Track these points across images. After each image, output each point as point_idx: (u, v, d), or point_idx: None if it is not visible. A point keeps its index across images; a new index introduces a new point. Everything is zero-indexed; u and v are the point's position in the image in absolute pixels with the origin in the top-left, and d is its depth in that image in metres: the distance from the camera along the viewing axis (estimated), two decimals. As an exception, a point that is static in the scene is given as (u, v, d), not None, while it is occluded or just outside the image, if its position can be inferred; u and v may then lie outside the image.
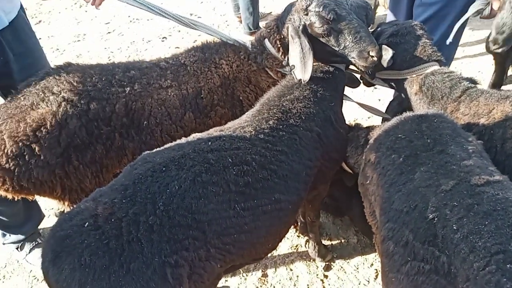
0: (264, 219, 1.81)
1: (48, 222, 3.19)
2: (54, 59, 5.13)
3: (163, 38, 5.38)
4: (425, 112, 1.76)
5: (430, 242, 1.36)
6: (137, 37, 5.44)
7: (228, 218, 1.67)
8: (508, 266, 1.12)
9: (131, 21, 5.86)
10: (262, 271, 2.84)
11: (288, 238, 3.03)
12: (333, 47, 2.12)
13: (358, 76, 2.51)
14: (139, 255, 1.45)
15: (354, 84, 2.49)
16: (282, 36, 2.27)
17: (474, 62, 4.47)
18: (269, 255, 2.92)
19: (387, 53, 2.08)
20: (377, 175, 1.76)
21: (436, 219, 1.38)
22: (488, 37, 2.54)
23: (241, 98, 2.40)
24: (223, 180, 1.66)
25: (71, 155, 2.06)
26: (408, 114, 1.81)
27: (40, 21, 6.00)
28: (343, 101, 2.55)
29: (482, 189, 1.34)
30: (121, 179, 1.65)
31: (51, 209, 3.27)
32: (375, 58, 2.07)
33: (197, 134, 1.87)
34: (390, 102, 2.65)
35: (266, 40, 2.35)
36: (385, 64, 2.11)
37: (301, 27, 2.11)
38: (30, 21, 2.50)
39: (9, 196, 2.06)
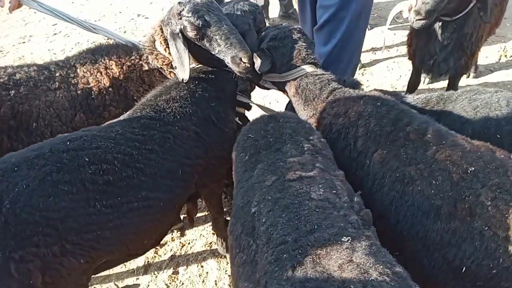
0: (131, 216, 1.87)
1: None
2: (-4, 61, 5.14)
3: (107, 39, 5.41)
4: (276, 113, 1.85)
5: (249, 233, 1.45)
6: (82, 38, 5.46)
7: (87, 215, 1.73)
8: (284, 255, 1.21)
9: (79, 22, 5.87)
10: (174, 268, 2.91)
11: (204, 236, 3.11)
12: (209, 51, 2.20)
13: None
14: (-18, 251, 1.51)
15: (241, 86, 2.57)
16: (166, 37, 2.34)
17: (400, 67, 4.58)
18: (182, 252, 3.02)
19: (257, 62, 2.18)
20: (234, 173, 1.85)
21: (256, 213, 1.47)
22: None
23: (135, 97, 2.47)
24: (76, 179, 1.73)
25: (-47, 158, 2.10)
26: (263, 115, 1.90)
27: (-13, 23, 5.98)
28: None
29: (291, 184, 1.43)
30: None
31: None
32: (247, 65, 2.15)
33: (64, 134, 1.93)
34: (287, 103, 2.75)
35: (157, 41, 2.42)
36: (258, 70, 2.21)
37: (177, 30, 2.19)
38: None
39: None
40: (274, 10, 5.65)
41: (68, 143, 1.80)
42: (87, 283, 1.94)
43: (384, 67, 4.54)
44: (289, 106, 2.69)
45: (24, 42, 5.48)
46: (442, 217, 1.54)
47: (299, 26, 2.41)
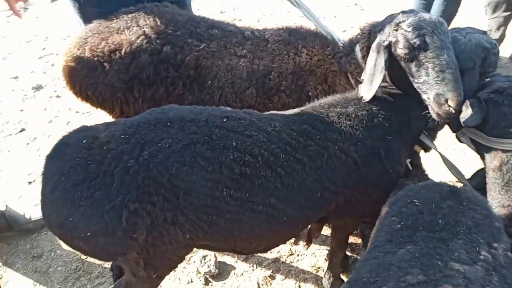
0: (250, 216, 1.72)
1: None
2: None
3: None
4: (462, 189, 1.41)
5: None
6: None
7: (211, 198, 1.63)
8: None
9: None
10: (273, 272, 2.73)
11: (316, 257, 2.85)
12: (411, 77, 1.82)
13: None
14: (107, 187, 1.54)
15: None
16: (371, 45, 2.02)
17: None
18: (288, 261, 2.83)
19: (466, 112, 1.71)
20: (375, 230, 1.52)
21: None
22: None
23: (310, 94, 2.25)
24: (216, 159, 1.62)
25: (134, 86, 2.24)
26: (443, 183, 1.47)
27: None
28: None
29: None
30: (135, 118, 1.75)
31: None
32: (451, 110, 1.71)
33: (228, 108, 1.85)
34: (477, 171, 2.18)
35: (358, 45, 2.13)
36: (462, 122, 1.74)
37: (386, 42, 1.85)
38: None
39: (79, 99, 2.36)
40: (508, 47, 4.71)
41: (225, 120, 1.71)
42: (185, 257, 1.90)
43: None
44: (479, 175, 2.14)
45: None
46: None
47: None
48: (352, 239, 2.85)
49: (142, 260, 1.71)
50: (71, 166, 1.57)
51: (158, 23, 2.19)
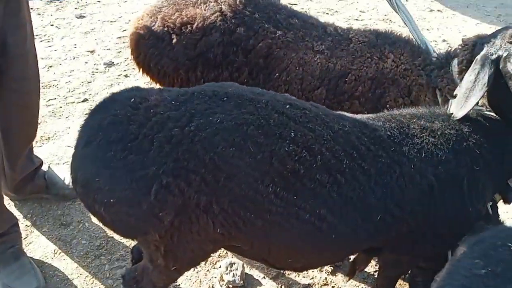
0: (293, 224, 1.47)
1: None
2: None
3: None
4: None
5: None
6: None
7: (253, 190, 1.40)
8: None
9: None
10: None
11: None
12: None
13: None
14: (143, 153, 1.37)
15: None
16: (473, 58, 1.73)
17: None
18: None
19: None
20: (445, 273, 1.21)
21: None
22: None
23: (388, 106, 1.98)
24: (268, 148, 1.40)
25: (198, 65, 2.10)
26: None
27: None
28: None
29: None
30: (192, 88, 1.59)
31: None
32: None
33: (292, 97, 1.63)
34: None
35: (456, 58, 1.84)
36: None
37: (494, 56, 1.55)
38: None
39: (140, 71, 2.27)
40: None
41: (287, 106, 1.49)
42: (211, 254, 1.67)
43: None
44: None
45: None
46: None
47: None
48: (398, 285, 2.47)
49: (163, 246, 1.50)
50: (111, 122, 1.42)
51: (237, 2, 2.05)
